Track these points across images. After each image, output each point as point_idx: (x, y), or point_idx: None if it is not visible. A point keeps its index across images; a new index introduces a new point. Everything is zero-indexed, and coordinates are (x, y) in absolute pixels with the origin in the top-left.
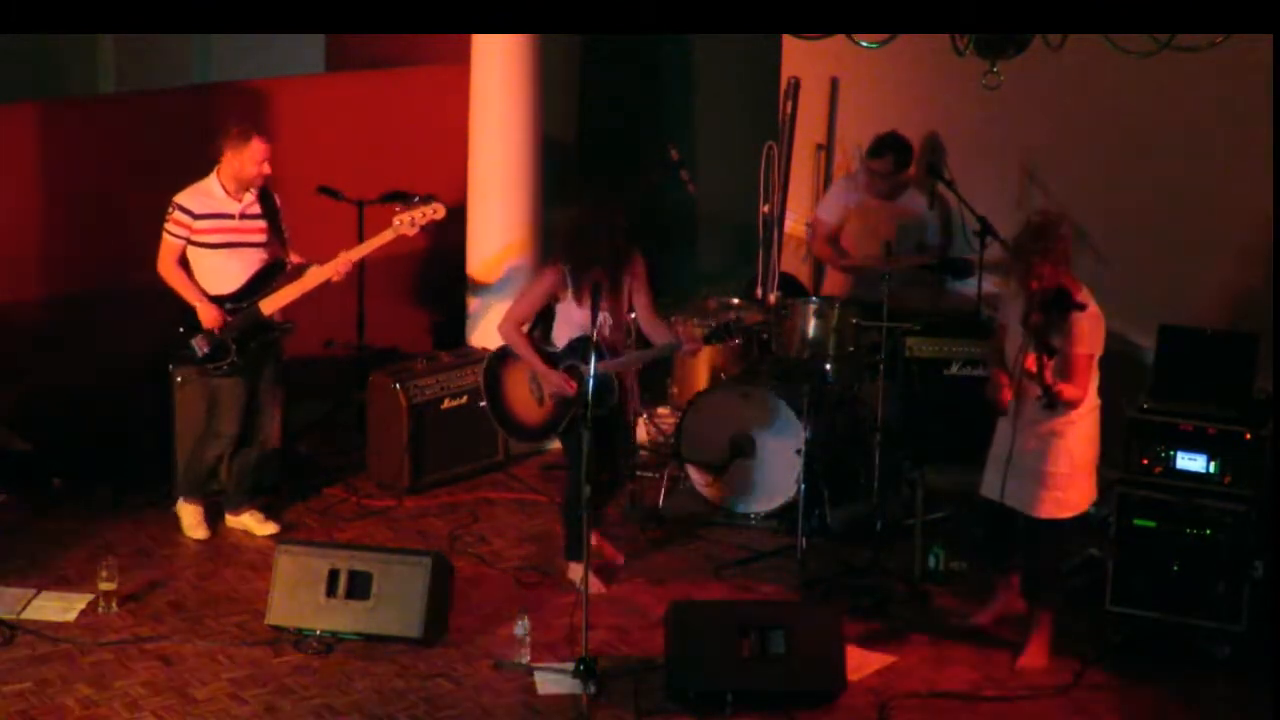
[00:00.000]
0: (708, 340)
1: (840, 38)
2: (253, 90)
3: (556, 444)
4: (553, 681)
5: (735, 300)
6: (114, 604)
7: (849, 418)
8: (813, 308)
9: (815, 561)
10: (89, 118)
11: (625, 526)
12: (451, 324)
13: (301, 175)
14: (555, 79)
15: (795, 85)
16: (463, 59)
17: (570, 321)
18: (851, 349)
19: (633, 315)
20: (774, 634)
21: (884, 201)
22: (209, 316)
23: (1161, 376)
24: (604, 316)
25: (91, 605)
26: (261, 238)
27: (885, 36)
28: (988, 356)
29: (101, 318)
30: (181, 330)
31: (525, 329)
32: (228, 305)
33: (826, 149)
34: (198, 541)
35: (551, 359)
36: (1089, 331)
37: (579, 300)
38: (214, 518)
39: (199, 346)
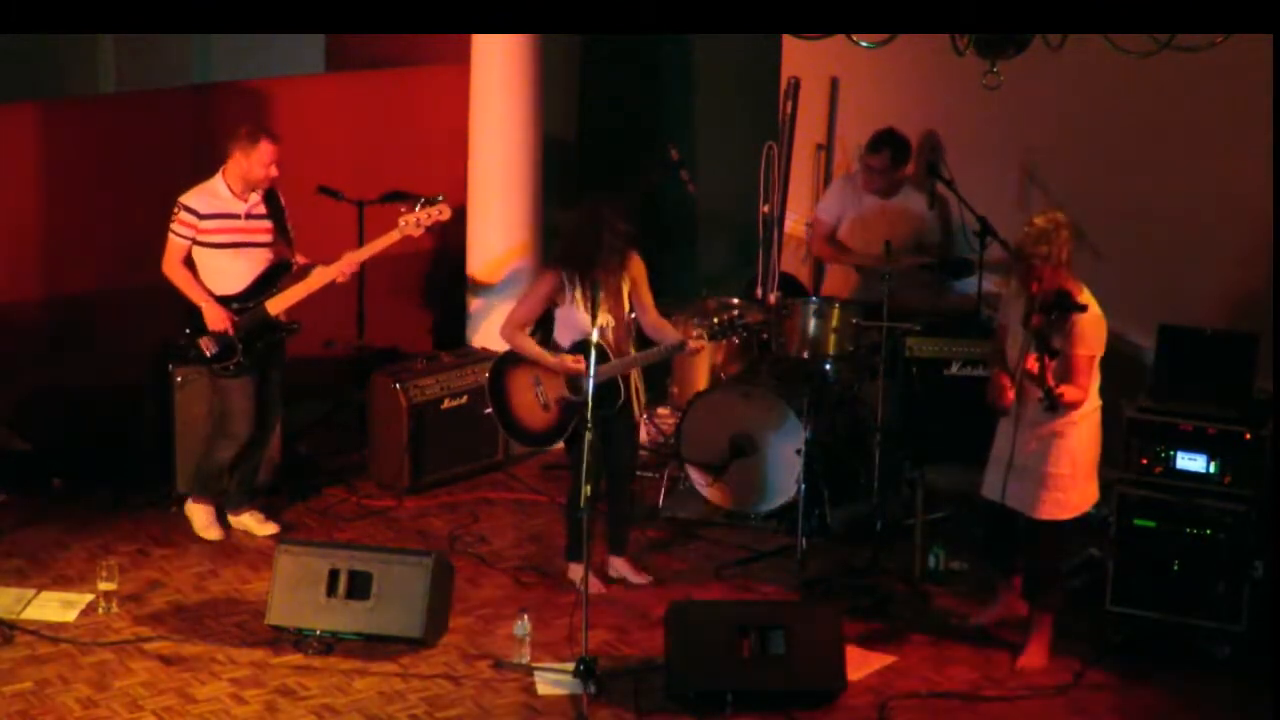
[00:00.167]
0: (713, 337)
1: (840, 38)
2: (253, 90)
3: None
4: (553, 681)
5: (735, 300)
6: (114, 604)
7: (849, 418)
8: (813, 308)
9: (815, 561)
10: (89, 118)
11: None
12: (452, 324)
13: (301, 175)
14: (555, 79)
15: (795, 85)
16: (463, 59)
17: (570, 325)
18: (851, 349)
19: (633, 316)
20: (774, 634)
21: (882, 200)
22: (216, 317)
23: (1161, 376)
24: (605, 319)
25: (91, 605)
26: (267, 238)
27: (885, 36)
28: (989, 358)
29: (101, 318)
30: (188, 331)
31: (527, 332)
32: (234, 305)
33: (826, 149)
34: (206, 542)
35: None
36: (1090, 333)
37: (578, 304)
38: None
39: (206, 347)
